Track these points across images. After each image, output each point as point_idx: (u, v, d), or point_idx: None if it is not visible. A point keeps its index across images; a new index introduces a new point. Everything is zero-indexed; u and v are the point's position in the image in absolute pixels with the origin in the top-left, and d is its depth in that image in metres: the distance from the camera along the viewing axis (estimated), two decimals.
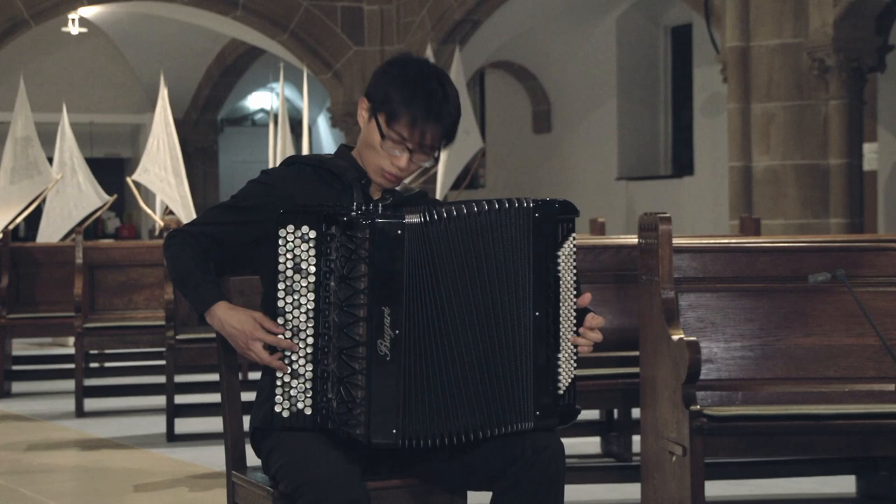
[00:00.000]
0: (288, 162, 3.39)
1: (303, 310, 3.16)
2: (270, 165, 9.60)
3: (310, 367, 3.17)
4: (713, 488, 5.23)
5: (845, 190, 11.04)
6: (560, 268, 3.19)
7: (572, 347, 3.24)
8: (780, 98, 11.18)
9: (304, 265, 3.14)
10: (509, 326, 3.17)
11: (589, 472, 5.86)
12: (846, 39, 10.91)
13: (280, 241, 3.14)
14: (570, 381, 3.23)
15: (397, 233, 3.09)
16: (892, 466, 5.39)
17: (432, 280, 3.12)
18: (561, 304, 3.20)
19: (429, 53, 14.36)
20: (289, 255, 3.14)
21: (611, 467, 6.32)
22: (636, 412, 5.13)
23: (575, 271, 3.23)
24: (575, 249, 3.22)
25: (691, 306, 4.66)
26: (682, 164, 16.95)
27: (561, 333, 3.21)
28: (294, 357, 3.18)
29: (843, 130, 11.02)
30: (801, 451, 4.83)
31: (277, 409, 3.19)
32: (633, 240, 5.20)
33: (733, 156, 11.50)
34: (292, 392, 3.18)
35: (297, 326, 3.17)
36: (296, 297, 3.16)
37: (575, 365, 3.25)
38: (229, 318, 3.24)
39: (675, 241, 4.65)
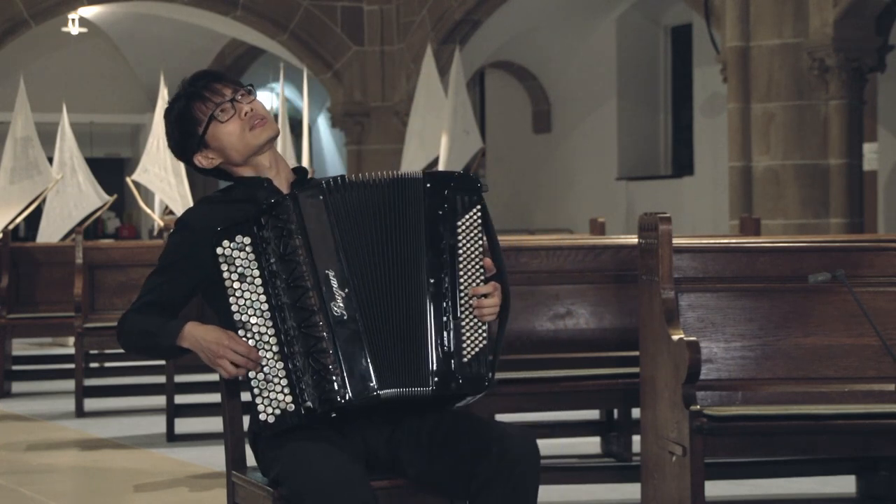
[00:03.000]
0: (197, 201, 3.51)
1: (258, 314, 3.22)
2: None
3: (280, 364, 3.22)
4: (713, 488, 5.23)
5: (845, 190, 11.04)
6: (460, 238, 3.27)
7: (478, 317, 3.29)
8: (780, 98, 11.17)
9: (247, 272, 3.22)
10: (410, 291, 3.25)
11: (589, 472, 5.86)
12: (846, 39, 10.91)
13: (220, 259, 3.22)
14: (477, 350, 3.27)
15: (319, 198, 3.25)
16: (892, 466, 5.38)
17: (356, 241, 3.25)
18: (461, 274, 3.27)
19: (429, 53, 14.36)
20: (231, 269, 3.21)
21: (611, 467, 6.32)
22: (636, 412, 5.12)
23: (480, 244, 3.30)
24: (480, 222, 3.29)
25: (691, 306, 4.65)
26: (682, 164, 16.94)
27: (462, 302, 3.26)
28: (262, 362, 3.22)
29: (843, 130, 11.02)
30: (801, 451, 4.83)
31: (262, 416, 3.23)
32: (633, 240, 5.19)
33: (733, 156, 11.50)
34: (271, 396, 3.23)
35: (258, 332, 3.22)
36: (248, 304, 3.22)
37: (484, 334, 3.29)
38: (202, 332, 3.28)
39: (675, 241, 4.64)
